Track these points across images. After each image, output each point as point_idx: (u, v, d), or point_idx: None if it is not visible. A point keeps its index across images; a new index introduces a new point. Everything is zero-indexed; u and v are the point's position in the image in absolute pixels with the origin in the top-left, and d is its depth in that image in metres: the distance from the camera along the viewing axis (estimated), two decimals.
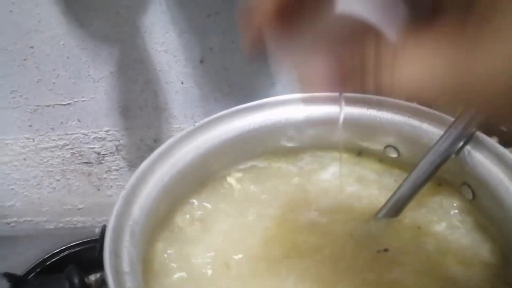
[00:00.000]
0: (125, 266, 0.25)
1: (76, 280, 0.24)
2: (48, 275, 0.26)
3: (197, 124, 0.35)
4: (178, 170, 0.33)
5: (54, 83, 0.62)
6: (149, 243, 0.30)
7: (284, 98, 0.38)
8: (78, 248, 0.58)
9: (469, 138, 0.32)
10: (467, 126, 0.31)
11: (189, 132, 0.34)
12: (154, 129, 0.66)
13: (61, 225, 0.74)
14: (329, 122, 0.38)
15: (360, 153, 0.39)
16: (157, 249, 0.31)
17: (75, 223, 0.74)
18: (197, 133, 0.34)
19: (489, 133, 0.32)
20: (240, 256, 0.31)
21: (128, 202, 0.28)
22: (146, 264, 0.28)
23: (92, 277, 0.25)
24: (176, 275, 0.29)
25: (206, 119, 0.35)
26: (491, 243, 0.30)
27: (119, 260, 0.25)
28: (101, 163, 0.69)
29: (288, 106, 0.38)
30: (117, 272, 0.24)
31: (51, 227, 0.74)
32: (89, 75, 0.62)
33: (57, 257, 0.56)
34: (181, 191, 0.34)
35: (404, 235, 0.31)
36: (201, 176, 0.36)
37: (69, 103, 0.65)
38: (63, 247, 0.59)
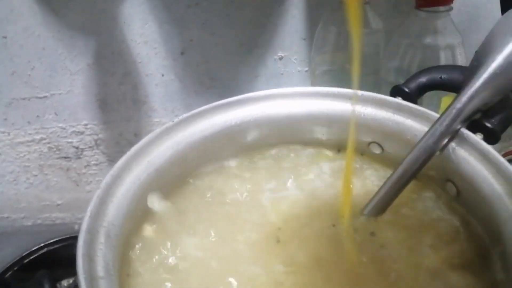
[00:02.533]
0: (100, 271, 0.24)
1: (47, 286, 0.22)
2: (20, 278, 0.24)
3: (176, 120, 0.33)
4: (156, 168, 0.31)
5: (29, 75, 0.60)
6: (127, 245, 0.28)
7: (266, 94, 0.37)
8: (57, 246, 0.57)
9: (454, 135, 0.31)
10: (452, 123, 0.31)
11: (168, 128, 0.33)
12: (133, 122, 0.64)
13: (39, 221, 0.72)
14: (312, 118, 0.37)
15: (340, 150, 0.38)
16: (135, 251, 0.30)
17: (54, 219, 0.72)
18: (176, 129, 0.33)
19: (474, 130, 0.32)
20: (225, 254, 0.30)
21: (103, 202, 0.27)
22: (123, 267, 0.27)
23: (65, 283, 0.24)
24: (157, 277, 0.28)
25: (185, 115, 0.34)
26: (475, 240, 0.30)
27: (93, 264, 0.24)
28: (79, 157, 0.67)
29: (270, 101, 0.37)
30: (91, 277, 0.23)
31: (29, 224, 0.72)
32: (65, 67, 0.60)
33: (36, 255, 0.55)
34: (159, 190, 0.33)
35: (388, 231, 0.31)
36: (181, 174, 0.35)
37: (45, 96, 0.62)
38: (42, 245, 0.58)
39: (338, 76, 0.56)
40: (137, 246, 0.29)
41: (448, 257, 0.29)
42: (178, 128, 0.33)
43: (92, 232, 0.25)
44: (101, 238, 0.25)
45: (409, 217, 0.32)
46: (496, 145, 0.45)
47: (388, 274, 0.28)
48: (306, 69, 0.64)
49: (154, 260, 0.28)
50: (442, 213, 0.32)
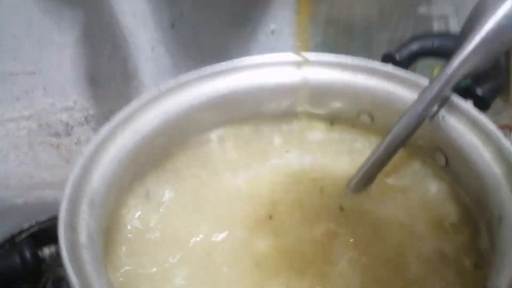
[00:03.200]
0: (83, 239, 0.23)
1: (27, 254, 0.22)
2: None
3: (162, 88, 0.33)
4: (142, 137, 0.31)
5: (16, 50, 0.59)
6: (113, 214, 0.28)
7: (256, 61, 0.36)
8: (49, 223, 0.56)
9: (444, 102, 0.31)
10: (442, 89, 0.30)
11: (153, 96, 0.32)
12: (124, 98, 0.63)
13: (30, 199, 0.72)
14: (303, 87, 0.36)
15: (333, 122, 0.38)
16: (122, 220, 0.29)
17: (45, 197, 0.72)
18: (162, 98, 0.33)
19: (464, 97, 0.31)
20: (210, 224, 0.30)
21: (87, 170, 0.27)
22: (109, 235, 0.27)
23: (47, 251, 0.24)
24: (144, 245, 0.28)
25: (172, 83, 0.33)
26: (462, 210, 0.30)
27: (76, 232, 0.23)
28: (69, 134, 0.67)
29: (259, 70, 0.36)
30: (73, 245, 0.22)
31: (20, 202, 0.71)
32: (53, 41, 0.59)
33: (27, 233, 0.54)
34: (148, 160, 0.32)
35: (375, 200, 0.30)
36: (169, 144, 0.34)
37: (33, 72, 0.61)
38: (33, 223, 0.57)
39: (331, 48, 0.55)
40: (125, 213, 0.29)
41: (435, 225, 0.29)
42: (164, 97, 0.33)
43: (75, 201, 0.25)
44: (84, 207, 0.25)
45: (397, 187, 0.32)
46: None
47: (377, 239, 0.28)
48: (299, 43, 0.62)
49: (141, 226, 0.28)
50: (430, 183, 0.32)
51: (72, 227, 0.23)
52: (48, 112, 0.65)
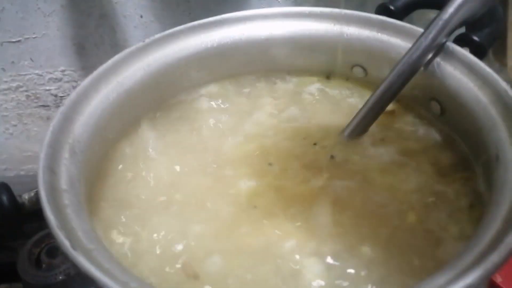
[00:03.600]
0: (63, 184, 0.22)
1: (4, 198, 0.21)
2: None
3: (147, 40, 0.31)
4: (126, 89, 0.30)
5: (0, 18, 0.57)
6: (98, 163, 0.27)
7: (245, 14, 0.35)
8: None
9: (439, 49, 0.30)
10: (438, 35, 0.29)
11: (138, 48, 0.31)
12: None
13: (22, 173, 0.71)
14: (294, 41, 0.35)
15: (329, 76, 0.37)
16: (108, 169, 0.29)
17: (37, 170, 0.71)
18: (147, 50, 0.31)
19: (461, 44, 0.30)
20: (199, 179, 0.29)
21: (68, 118, 0.26)
22: (94, 183, 0.26)
23: (26, 196, 0.23)
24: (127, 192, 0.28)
25: (158, 35, 0.32)
26: (459, 156, 0.29)
27: (56, 177, 0.22)
28: (59, 106, 0.65)
29: (249, 23, 0.35)
30: (53, 189, 0.21)
31: (12, 175, 0.70)
32: (38, 8, 0.57)
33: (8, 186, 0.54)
34: (132, 114, 0.31)
35: (367, 149, 0.30)
36: (155, 99, 0.33)
37: (19, 40, 0.59)
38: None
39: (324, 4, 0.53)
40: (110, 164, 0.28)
41: (432, 172, 0.28)
42: (150, 49, 0.32)
43: (55, 147, 0.24)
44: (65, 154, 0.24)
45: (392, 138, 0.31)
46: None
47: (367, 183, 0.27)
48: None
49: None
50: (425, 133, 0.31)
51: (52, 171, 0.22)
52: (35, 83, 0.63)
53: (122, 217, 0.25)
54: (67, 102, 0.26)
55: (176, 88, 0.34)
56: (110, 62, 0.30)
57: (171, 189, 0.27)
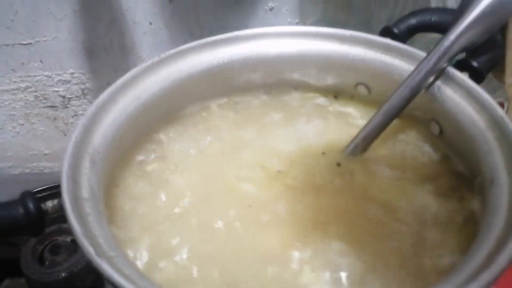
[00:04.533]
0: (85, 193, 0.24)
1: (31, 205, 0.23)
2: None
3: (162, 55, 0.33)
4: (143, 102, 0.31)
5: (12, 20, 0.58)
6: (112, 173, 0.29)
7: (255, 32, 0.36)
8: (45, 193, 0.57)
9: (440, 74, 0.31)
10: (439, 61, 0.31)
11: (154, 63, 0.32)
12: (121, 72, 0.62)
13: (27, 170, 0.72)
14: (301, 59, 0.37)
15: (337, 96, 0.38)
16: (122, 180, 0.30)
17: (41, 168, 0.72)
18: (162, 65, 0.33)
19: (460, 69, 0.32)
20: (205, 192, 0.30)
21: (88, 130, 0.27)
22: (109, 192, 0.28)
23: (49, 203, 0.24)
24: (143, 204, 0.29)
25: (172, 51, 0.33)
26: (456, 176, 0.30)
27: (78, 186, 0.24)
28: (66, 107, 0.67)
29: (260, 41, 0.36)
30: (76, 198, 0.23)
31: (17, 172, 0.72)
32: (50, 12, 0.58)
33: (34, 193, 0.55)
34: (147, 125, 0.33)
35: (370, 162, 0.31)
36: (168, 111, 0.34)
37: (30, 43, 0.61)
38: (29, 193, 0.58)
39: (330, 26, 0.55)
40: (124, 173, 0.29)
41: (430, 189, 0.29)
42: (165, 64, 0.33)
43: (77, 157, 0.25)
44: (86, 163, 0.25)
45: (392, 155, 0.33)
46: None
47: (372, 203, 0.29)
48: (297, 20, 0.63)
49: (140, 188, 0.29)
50: (424, 151, 0.33)
51: (75, 181, 0.24)
52: (44, 84, 0.65)
53: (137, 226, 0.27)
54: (87, 114, 0.28)
55: (189, 101, 0.35)
56: (127, 75, 0.31)
57: (187, 200, 0.29)
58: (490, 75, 0.52)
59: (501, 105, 0.52)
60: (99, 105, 0.29)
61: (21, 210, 0.22)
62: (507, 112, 0.56)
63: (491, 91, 0.53)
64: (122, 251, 0.22)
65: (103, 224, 0.23)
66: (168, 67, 0.33)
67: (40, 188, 0.60)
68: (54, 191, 0.57)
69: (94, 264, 0.20)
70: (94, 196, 0.24)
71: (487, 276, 0.20)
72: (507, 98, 0.56)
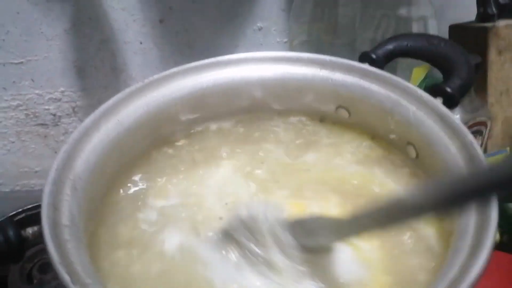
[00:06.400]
0: (65, 220, 0.24)
1: (11, 233, 0.23)
2: None
3: (146, 81, 0.34)
4: (126, 128, 0.32)
5: (3, 40, 0.59)
6: (95, 199, 0.29)
7: (238, 57, 0.37)
8: (36, 211, 0.57)
9: None
10: None
11: (138, 88, 0.33)
12: (112, 90, 0.64)
13: (17, 188, 0.72)
14: (283, 83, 0.38)
15: (324, 119, 0.38)
16: (105, 207, 0.31)
17: (32, 186, 0.72)
18: (146, 90, 0.34)
19: (435, 95, 0.33)
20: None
21: (71, 156, 0.28)
22: (92, 220, 0.28)
23: (30, 230, 0.25)
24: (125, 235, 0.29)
25: (156, 76, 0.34)
26: None
27: (58, 212, 0.24)
28: (57, 125, 0.67)
29: (243, 65, 0.37)
30: (56, 224, 0.24)
31: (7, 190, 0.72)
32: (41, 32, 0.59)
33: (14, 220, 0.55)
34: (130, 151, 0.34)
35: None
36: (151, 137, 0.35)
37: (21, 62, 0.62)
38: (20, 210, 0.58)
39: (315, 46, 0.56)
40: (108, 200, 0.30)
41: None
42: (148, 89, 0.34)
43: (58, 184, 0.26)
44: (67, 190, 0.26)
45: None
46: (462, 117, 0.47)
47: None
48: (286, 40, 0.64)
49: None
50: (401, 174, 0.34)
51: (55, 208, 0.24)
52: (35, 102, 0.65)
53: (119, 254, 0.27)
54: (69, 140, 0.28)
55: (173, 126, 0.36)
56: (111, 101, 0.32)
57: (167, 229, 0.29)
58: (473, 94, 0.53)
59: (484, 124, 0.54)
60: (82, 131, 0.29)
61: (1, 238, 0.22)
62: (490, 130, 0.57)
63: (474, 111, 0.55)
64: (99, 278, 0.23)
65: (81, 251, 0.23)
66: (152, 92, 0.34)
67: (31, 205, 0.60)
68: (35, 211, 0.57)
69: None
70: (74, 223, 0.25)
71: None
72: (490, 117, 0.57)
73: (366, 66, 0.36)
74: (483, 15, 0.54)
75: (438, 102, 0.32)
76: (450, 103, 0.32)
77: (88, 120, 0.30)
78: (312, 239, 0.26)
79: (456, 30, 0.56)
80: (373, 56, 0.36)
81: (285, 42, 0.64)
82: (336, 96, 0.37)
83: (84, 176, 0.28)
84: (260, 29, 0.63)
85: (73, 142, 0.28)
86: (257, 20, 0.63)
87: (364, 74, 0.35)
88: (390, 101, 0.34)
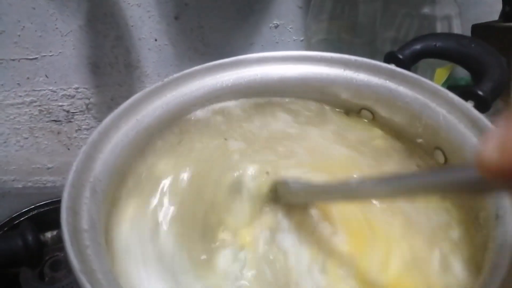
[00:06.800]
0: (84, 224, 0.23)
1: (30, 237, 0.22)
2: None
3: (166, 80, 0.33)
4: (145, 127, 0.31)
5: (19, 35, 0.59)
6: (114, 201, 0.28)
7: (259, 56, 0.36)
8: (47, 208, 0.56)
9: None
10: None
11: (157, 87, 0.32)
12: (126, 87, 0.64)
13: (29, 184, 0.72)
14: (305, 83, 0.37)
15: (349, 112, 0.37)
16: (122, 208, 0.30)
17: (44, 182, 0.72)
18: (166, 89, 0.33)
19: (466, 98, 0.31)
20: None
21: (90, 157, 0.27)
22: (109, 222, 0.27)
23: (49, 234, 0.24)
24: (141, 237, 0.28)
25: (176, 75, 0.33)
26: (459, 207, 0.30)
27: (78, 217, 0.23)
28: (70, 121, 0.67)
29: (263, 65, 0.36)
30: (75, 229, 0.23)
31: (19, 186, 0.72)
32: (56, 28, 0.59)
33: (25, 216, 0.55)
34: (150, 150, 0.33)
35: None
36: (171, 135, 0.34)
37: (35, 58, 0.61)
38: (32, 206, 0.58)
39: (334, 45, 0.55)
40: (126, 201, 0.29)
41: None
42: (168, 88, 0.33)
43: (77, 186, 0.25)
44: (87, 193, 0.25)
45: None
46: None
47: None
48: (302, 38, 0.63)
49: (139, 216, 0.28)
50: None
51: (75, 212, 0.23)
52: (49, 98, 0.65)
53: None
54: (89, 141, 0.27)
55: (190, 124, 0.35)
56: (130, 100, 0.31)
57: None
58: None
59: None
60: (101, 131, 0.28)
61: (20, 243, 0.21)
62: None
63: (497, 113, 0.53)
64: (120, 285, 0.22)
65: (102, 257, 0.22)
66: (172, 91, 0.33)
67: (42, 203, 0.59)
68: (55, 206, 0.57)
69: None
70: (94, 227, 0.24)
71: None
72: None
73: (392, 66, 0.34)
74: (508, 14, 0.52)
75: (469, 106, 0.30)
76: (483, 107, 0.31)
77: (108, 120, 0.29)
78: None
79: (480, 29, 0.55)
80: (400, 56, 0.35)
81: (302, 41, 0.63)
82: (359, 98, 0.36)
83: (103, 178, 0.27)
84: (276, 26, 0.62)
85: (93, 143, 0.27)
86: (273, 18, 0.61)
87: (390, 75, 0.34)
88: (418, 103, 0.32)
